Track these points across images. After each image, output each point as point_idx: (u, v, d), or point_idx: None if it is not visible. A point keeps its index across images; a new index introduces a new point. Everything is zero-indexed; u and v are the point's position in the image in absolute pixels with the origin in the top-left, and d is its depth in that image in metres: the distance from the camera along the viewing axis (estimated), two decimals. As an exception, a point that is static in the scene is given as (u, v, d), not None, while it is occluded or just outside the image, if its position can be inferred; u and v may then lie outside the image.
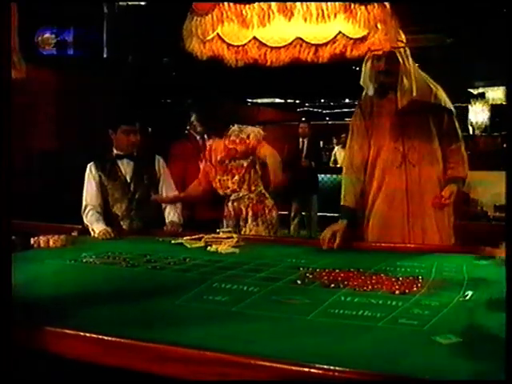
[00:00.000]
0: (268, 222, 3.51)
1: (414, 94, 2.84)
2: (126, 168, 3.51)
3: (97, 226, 3.24)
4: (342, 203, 2.97)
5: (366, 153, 2.98)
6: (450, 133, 2.93)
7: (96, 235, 3.18)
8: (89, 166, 3.52)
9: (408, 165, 2.89)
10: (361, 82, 2.98)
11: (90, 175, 3.49)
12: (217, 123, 3.59)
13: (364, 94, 3.04)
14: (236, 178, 3.50)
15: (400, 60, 2.83)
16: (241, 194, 3.50)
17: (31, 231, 2.88)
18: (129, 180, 3.50)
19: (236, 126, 3.57)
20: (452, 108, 2.97)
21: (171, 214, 3.50)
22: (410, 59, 2.89)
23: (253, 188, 3.50)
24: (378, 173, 2.95)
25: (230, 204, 3.53)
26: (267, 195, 3.56)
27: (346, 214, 2.92)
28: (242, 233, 3.40)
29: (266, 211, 3.52)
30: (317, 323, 1.62)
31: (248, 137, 3.48)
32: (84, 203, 3.44)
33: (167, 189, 3.59)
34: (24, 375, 1.55)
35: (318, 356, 1.33)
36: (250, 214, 3.49)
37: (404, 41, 2.88)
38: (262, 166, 3.52)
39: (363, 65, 2.93)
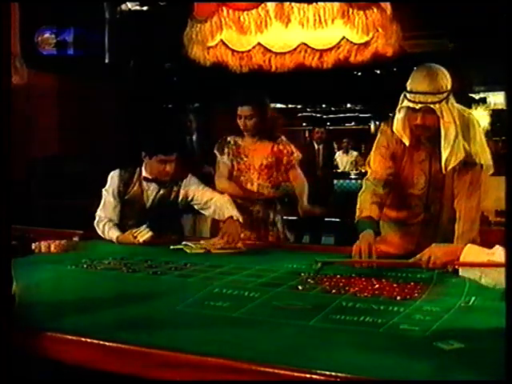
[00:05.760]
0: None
1: (463, 155, 2.54)
2: (150, 192, 3.22)
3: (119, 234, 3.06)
4: (358, 218, 2.63)
5: (388, 170, 2.71)
6: (468, 188, 2.61)
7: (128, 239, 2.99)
8: (113, 174, 3.23)
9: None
10: (394, 129, 2.64)
11: (113, 186, 3.20)
12: (272, 127, 3.54)
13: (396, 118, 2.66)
14: (274, 187, 3.49)
15: (439, 114, 2.49)
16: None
17: (32, 236, 2.87)
18: (148, 206, 3.23)
19: (283, 137, 3.57)
20: (488, 163, 2.68)
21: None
22: (452, 106, 2.53)
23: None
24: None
25: (255, 208, 3.47)
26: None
27: (370, 225, 2.58)
28: (270, 237, 3.44)
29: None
30: (318, 329, 1.62)
31: (292, 153, 3.52)
32: (99, 213, 3.16)
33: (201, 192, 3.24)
34: (23, 380, 1.55)
35: (319, 361, 1.33)
36: (279, 218, 3.50)
37: (448, 88, 2.51)
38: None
39: (396, 111, 2.61)
